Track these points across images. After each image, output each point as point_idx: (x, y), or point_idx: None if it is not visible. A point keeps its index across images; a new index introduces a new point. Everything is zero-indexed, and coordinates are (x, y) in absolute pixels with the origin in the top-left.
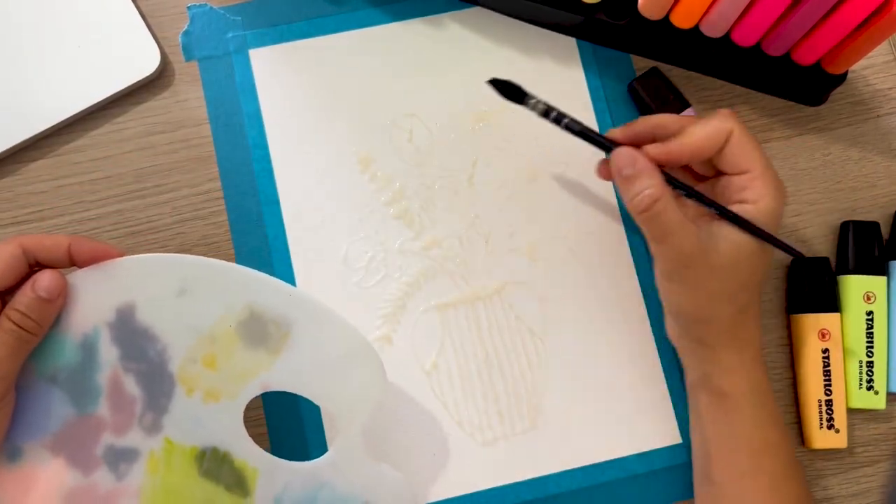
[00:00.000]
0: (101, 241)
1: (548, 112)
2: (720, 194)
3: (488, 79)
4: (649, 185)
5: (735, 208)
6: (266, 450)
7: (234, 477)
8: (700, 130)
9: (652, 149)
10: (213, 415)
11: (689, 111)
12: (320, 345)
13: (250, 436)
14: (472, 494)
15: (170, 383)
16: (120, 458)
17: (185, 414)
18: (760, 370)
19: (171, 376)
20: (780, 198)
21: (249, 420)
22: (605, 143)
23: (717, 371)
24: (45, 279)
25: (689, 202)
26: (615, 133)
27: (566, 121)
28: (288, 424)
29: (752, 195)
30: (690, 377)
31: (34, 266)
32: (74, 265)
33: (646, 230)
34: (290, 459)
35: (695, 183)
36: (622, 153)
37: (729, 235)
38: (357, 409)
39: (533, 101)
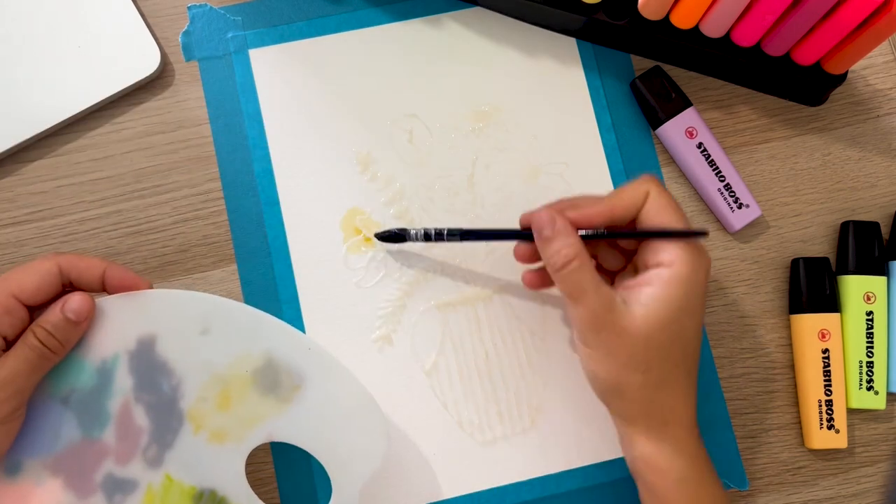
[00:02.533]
0: (135, 273)
1: (428, 236)
2: (640, 265)
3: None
4: (566, 245)
5: (651, 274)
6: (272, 485)
7: None
8: (617, 194)
9: (571, 212)
10: (217, 457)
11: (690, 110)
12: (329, 402)
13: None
14: (472, 494)
15: (178, 419)
16: (117, 488)
17: (189, 452)
18: (685, 460)
19: (180, 412)
20: (699, 263)
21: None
22: (515, 234)
23: (639, 461)
24: (75, 301)
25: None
26: (525, 217)
27: (450, 232)
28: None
29: (667, 258)
30: (627, 462)
31: (67, 286)
32: (105, 291)
33: (562, 290)
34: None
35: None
36: (542, 215)
37: (646, 301)
38: (357, 468)
39: (413, 232)
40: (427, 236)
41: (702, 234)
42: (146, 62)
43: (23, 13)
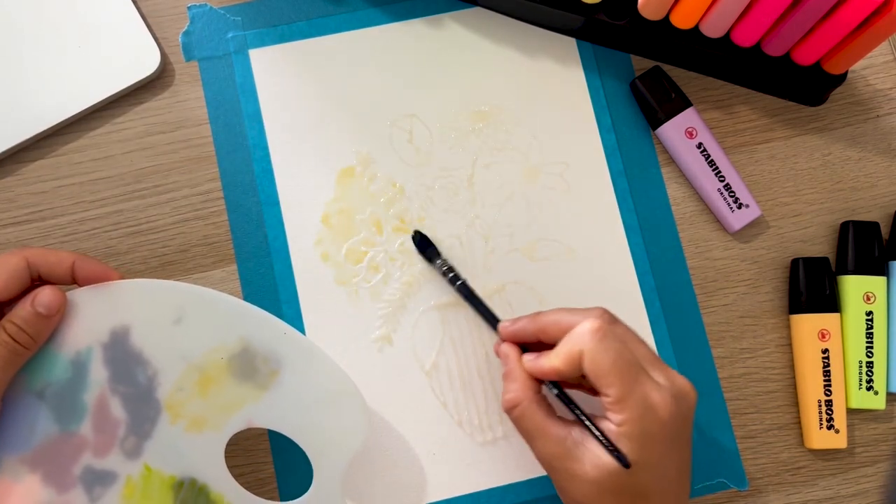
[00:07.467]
0: (104, 263)
1: (446, 273)
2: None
3: (413, 233)
4: (509, 390)
5: (605, 424)
6: (272, 485)
7: None
8: (560, 351)
9: (526, 359)
10: (195, 445)
11: (690, 110)
12: (308, 386)
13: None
14: (472, 494)
15: (155, 409)
16: (97, 480)
17: (167, 441)
18: None
19: (157, 402)
20: (648, 420)
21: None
22: (491, 320)
23: None
24: (45, 295)
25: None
26: (505, 323)
27: (459, 283)
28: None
29: (613, 417)
30: None
31: (36, 280)
32: (76, 283)
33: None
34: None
35: None
36: (501, 350)
37: (593, 448)
38: (338, 452)
39: (439, 261)
40: (445, 272)
41: (623, 462)
42: (146, 62)
43: (23, 13)
